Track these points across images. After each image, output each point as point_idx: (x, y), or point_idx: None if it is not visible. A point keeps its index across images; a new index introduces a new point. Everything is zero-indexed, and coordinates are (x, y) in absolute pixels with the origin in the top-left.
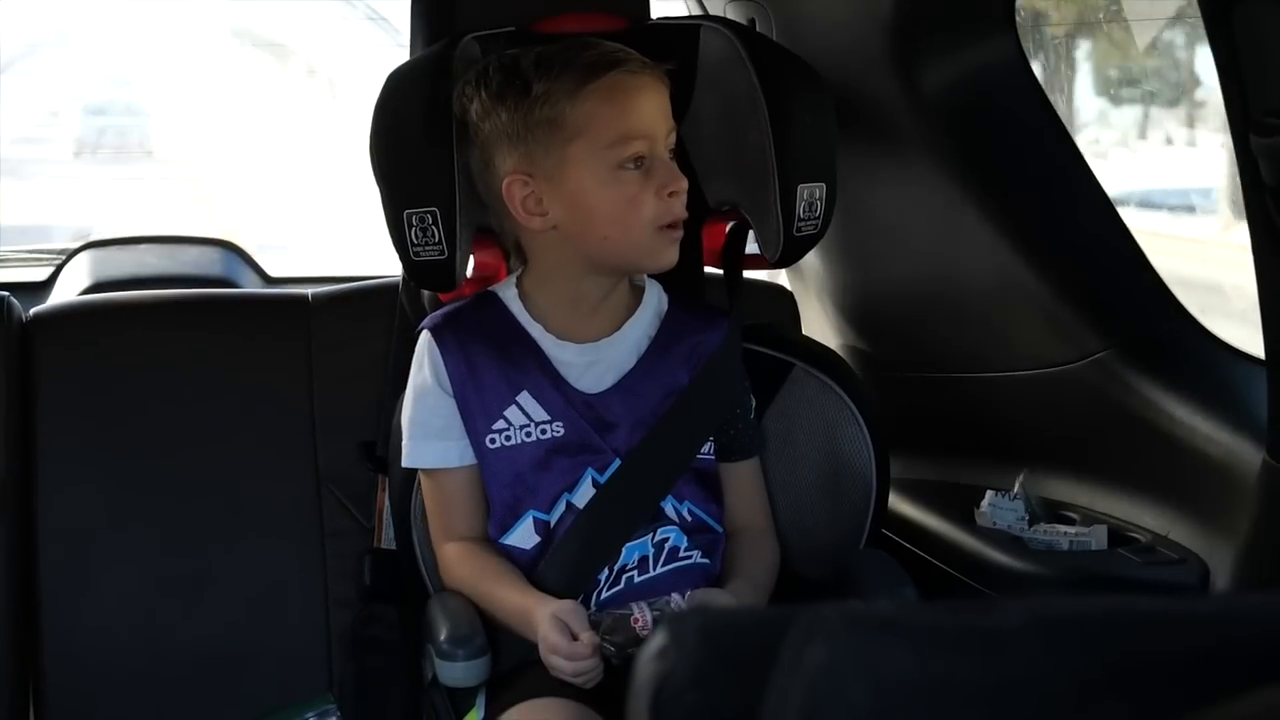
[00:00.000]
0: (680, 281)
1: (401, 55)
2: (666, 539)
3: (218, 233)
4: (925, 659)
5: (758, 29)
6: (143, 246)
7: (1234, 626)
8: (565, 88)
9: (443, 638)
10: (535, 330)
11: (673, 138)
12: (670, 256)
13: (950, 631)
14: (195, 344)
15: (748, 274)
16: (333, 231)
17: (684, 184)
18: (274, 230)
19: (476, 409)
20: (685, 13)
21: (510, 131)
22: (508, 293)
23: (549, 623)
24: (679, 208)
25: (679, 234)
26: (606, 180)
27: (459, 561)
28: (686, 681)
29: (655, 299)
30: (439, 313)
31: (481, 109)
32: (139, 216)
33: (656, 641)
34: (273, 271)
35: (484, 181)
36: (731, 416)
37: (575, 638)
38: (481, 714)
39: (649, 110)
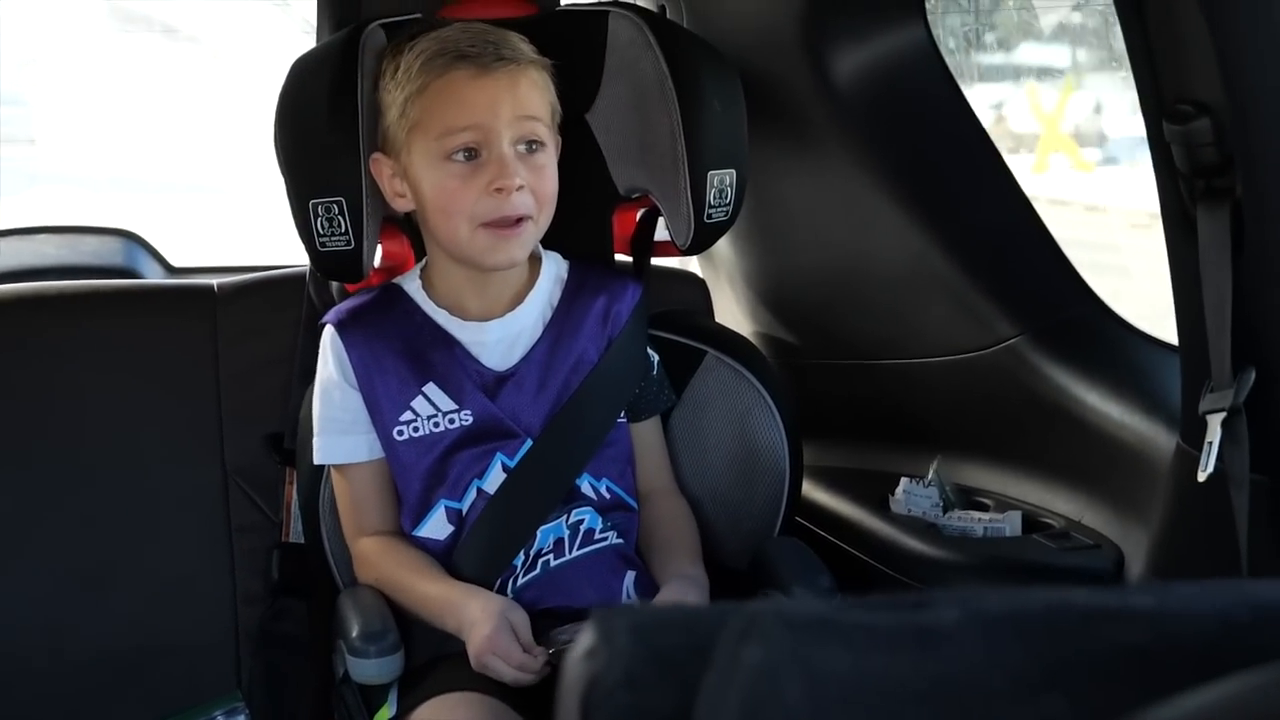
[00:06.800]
0: None
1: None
2: (581, 520)
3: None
4: (861, 657)
5: (668, 15)
6: (41, 236)
7: (1169, 622)
8: (414, 75)
9: (355, 634)
10: (440, 316)
11: (531, 126)
12: (505, 256)
13: (886, 629)
14: (98, 336)
15: (661, 261)
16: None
17: (513, 181)
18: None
19: (383, 401)
20: None
21: (381, 110)
22: (411, 284)
23: (498, 622)
24: (509, 206)
25: (514, 233)
26: (435, 169)
27: (376, 556)
28: (617, 681)
29: (554, 266)
30: (343, 306)
31: (378, 86)
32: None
33: (586, 640)
34: (176, 261)
35: None
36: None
37: (521, 644)
38: (393, 710)
39: (482, 103)
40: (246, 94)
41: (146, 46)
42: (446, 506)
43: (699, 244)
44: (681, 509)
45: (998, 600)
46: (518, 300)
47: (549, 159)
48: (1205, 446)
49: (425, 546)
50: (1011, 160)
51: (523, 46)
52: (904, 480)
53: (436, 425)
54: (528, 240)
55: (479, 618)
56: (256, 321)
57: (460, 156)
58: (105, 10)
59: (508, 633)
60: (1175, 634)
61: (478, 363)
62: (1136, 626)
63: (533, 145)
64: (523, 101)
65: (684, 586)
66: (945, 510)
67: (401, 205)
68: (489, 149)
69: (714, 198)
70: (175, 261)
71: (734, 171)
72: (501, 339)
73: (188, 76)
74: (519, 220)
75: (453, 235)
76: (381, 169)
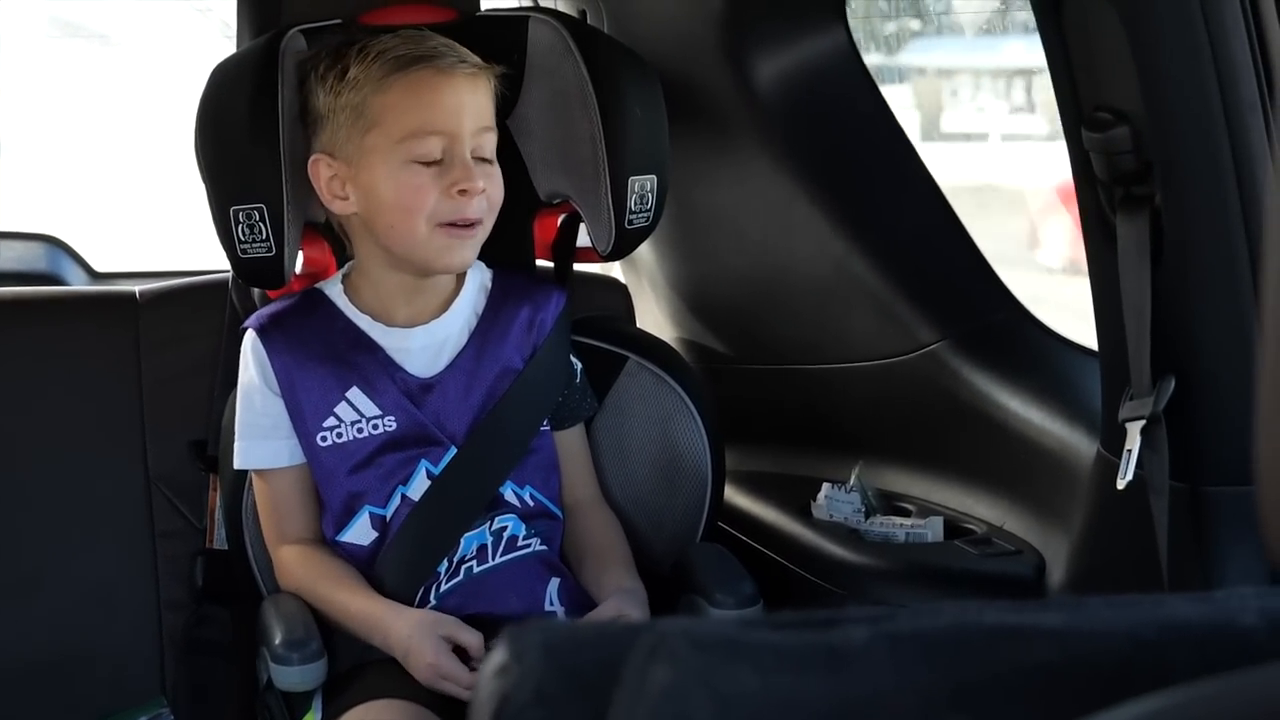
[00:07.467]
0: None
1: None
2: (505, 527)
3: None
4: (770, 678)
5: (588, 21)
6: None
7: (1077, 641)
8: (373, 77)
9: (278, 641)
10: (363, 321)
11: (487, 138)
12: (458, 258)
13: (795, 649)
14: (20, 342)
15: (582, 267)
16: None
17: (477, 185)
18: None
19: (306, 407)
20: (516, 4)
21: (322, 112)
22: (334, 289)
23: (434, 644)
24: (470, 208)
25: (470, 235)
26: (397, 171)
27: (297, 565)
28: (528, 699)
29: (478, 274)
30: (264, 311)
31: (309, 89)
32: None
33: (498, 658)
34: (100, 266)
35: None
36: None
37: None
38: (318, 716)
39: (450, 107)
40: (168, 94)
41: (81, 53)
42: (370, 513)
43: (620, 250)
44: (610, 519)
45: (906, 619)
46: (443, 308)
47: (497, 167)
48: (1125, 454)
49: (348, 552)
50: None
51: (470, 54)
52: (826, 485)
53: (360, 431)
54: (479, 244)
55: (411, 641)
56: (179, 328)
57: (425, 160)
58: (44, 19)
59: (448, 653)
60: (1084, 653)
61: (401, 369)
62: (1044, 645)
63: (479, 159)
64: (483, 109)
65: (624, 601)
66: (867, 516)
67: (340, 208)
68: (450, 153)
69: (635, 203)
70: (100, 256)
71: (655, 177)
72: (426, 346)
73: (119, 79)
74: (473, 224)
75: (408, 235)
76: (320, 170)
